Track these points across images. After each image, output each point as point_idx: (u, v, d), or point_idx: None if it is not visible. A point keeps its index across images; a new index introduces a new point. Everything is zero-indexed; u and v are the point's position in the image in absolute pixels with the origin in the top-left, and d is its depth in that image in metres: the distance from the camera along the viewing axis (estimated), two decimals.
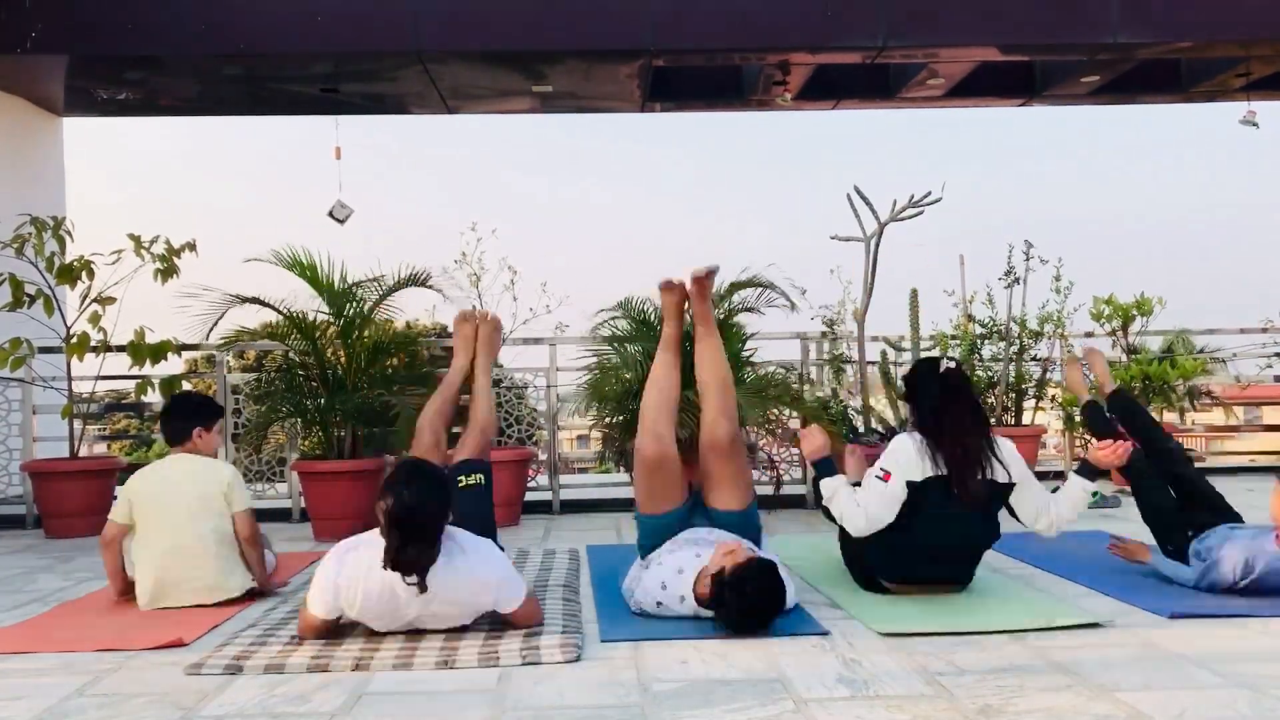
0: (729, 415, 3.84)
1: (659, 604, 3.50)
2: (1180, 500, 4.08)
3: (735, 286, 6.25)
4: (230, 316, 6.07)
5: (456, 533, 3.28)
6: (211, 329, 5.99)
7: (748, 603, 3.21)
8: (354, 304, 6.07)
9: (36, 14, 6.69)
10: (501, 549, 3.73)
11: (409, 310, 6.56)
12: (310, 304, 6.13)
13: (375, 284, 6.14)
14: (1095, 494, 6.26)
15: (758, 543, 3.78)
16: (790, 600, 3.48)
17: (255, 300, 6.01)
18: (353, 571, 3.19)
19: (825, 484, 3.78)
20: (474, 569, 3.24)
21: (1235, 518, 3.94)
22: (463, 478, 3.88)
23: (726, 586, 3.21)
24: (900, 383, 5.64)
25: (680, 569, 3.50)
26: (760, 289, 6.26)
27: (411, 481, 3.14)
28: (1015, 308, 7.44)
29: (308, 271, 5.99)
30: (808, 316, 6.86)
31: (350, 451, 5.86)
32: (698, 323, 4.12)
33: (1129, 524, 5.53)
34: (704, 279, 4.03)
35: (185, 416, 4.19)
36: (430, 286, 6.24)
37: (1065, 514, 3.82)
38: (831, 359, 6.94)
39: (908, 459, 3.63)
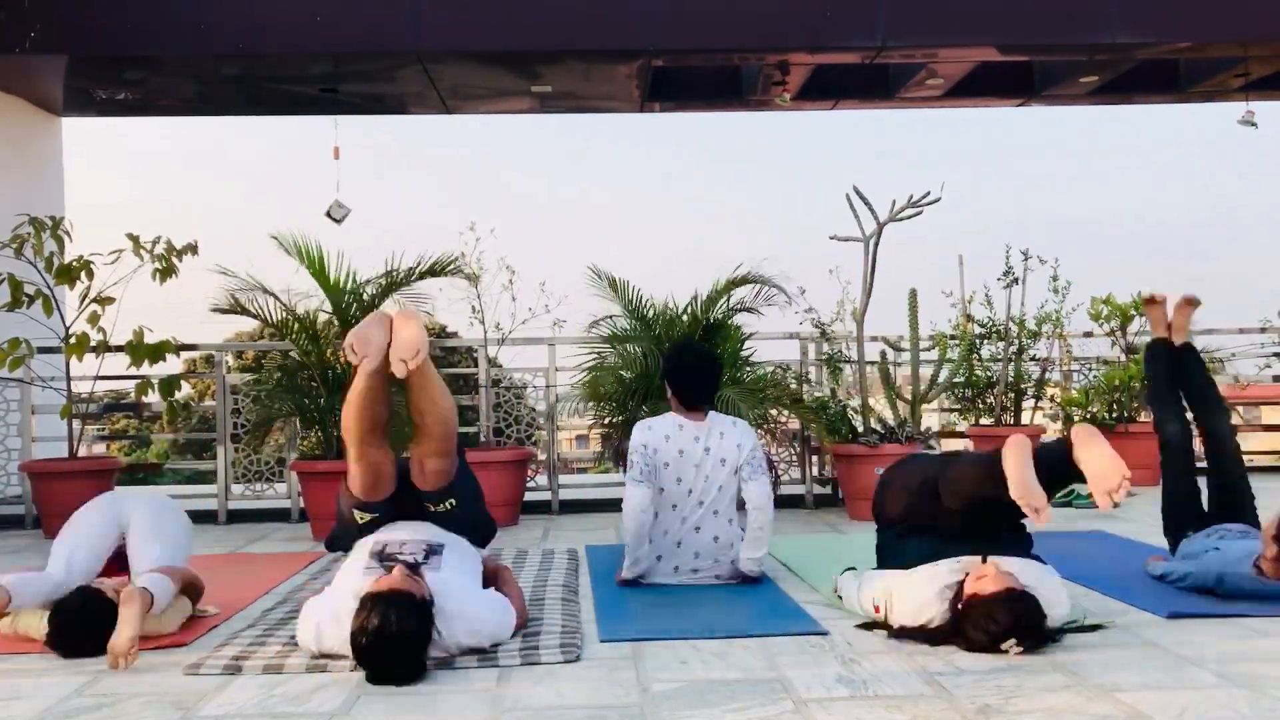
0: None
1: None
2: (1196, 499, 4.10)
3: (732, 284, 6.24)
4: (228, 316, 6.08)
5: (442, 600, 3.01)
6: (225, 311, 5.97)
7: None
8: (358, 302, 6.06)
9: (35, 14, 6.68)
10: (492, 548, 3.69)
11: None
12: (311, 303, 6.14)
13: (380, 279, 6.12)
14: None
15: None
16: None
17: (259, 289, 6.02)
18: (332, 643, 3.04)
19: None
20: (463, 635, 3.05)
21: (1249, 520, 3.97)
22: (431, 505, 3.42)
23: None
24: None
25: None
26: (758, 287, 6.27)
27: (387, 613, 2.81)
28: (1014, 308, 7.45)
29: (315, 265, 5.98)
30: (800, 319, 6.87)
31: None
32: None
33: (1128, 523, 5.54)
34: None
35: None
36: (444, 274, 6.20)
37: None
38: (828, 359, 6.94)
39: None
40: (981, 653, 2.98)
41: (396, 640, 2.80)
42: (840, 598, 3.70)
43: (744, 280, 6.29)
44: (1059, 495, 6.42)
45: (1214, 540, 3.81)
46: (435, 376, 3.33)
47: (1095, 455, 3.00)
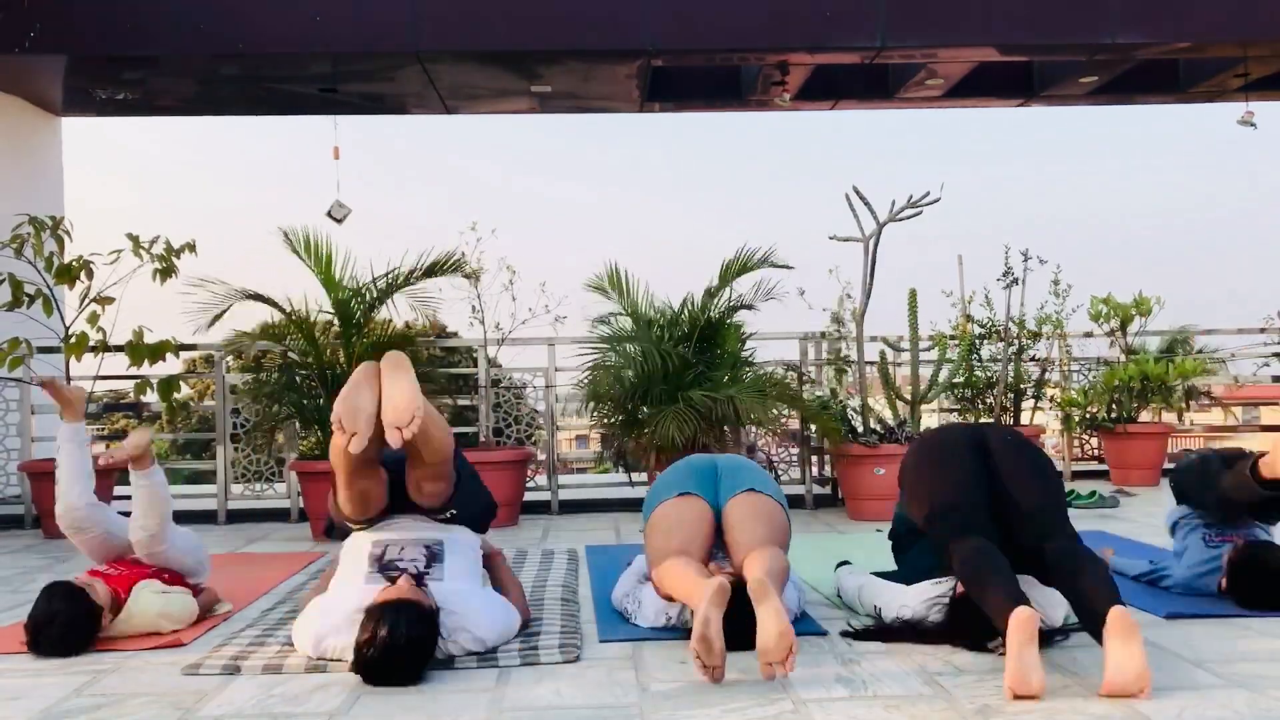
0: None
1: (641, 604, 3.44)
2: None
3: (729, 275, 6.23)
4: (229, 316, 6.07)
5: (447, 608, 3.01)
6: (214, 320, 5.98)
7: None
8: (360, 302, 6.07)
9: (35, 13, 6.69)
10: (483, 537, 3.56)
11: (414, 309, 6.52)
12: (311, 304, 6.14)
13: (385, 279, 6.12)
14: (1093, 493, 6.28)
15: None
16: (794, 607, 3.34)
17: (257, 296, 6.02)
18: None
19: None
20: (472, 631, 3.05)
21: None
22: (432, 517, 3.31)
23: None
24: None
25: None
26: (757, 284, 6.27)
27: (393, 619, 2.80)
28: (1014, 308, 7.45)
29: (320, 265, 5.97)
30: (808, 314, 6.87)
31: None
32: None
33: (1127, 523, 5.54)
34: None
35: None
36: (443, 273, 6.19)
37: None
38: (834, 358, 6.94)
39: None
40: (977, 649, 2.98)
41: (404, 650, 2.78)
42: (840, 594, 3.72)
43: (746, 266, 6.24)
44: None
45: (1198, 536, 3.72)
46: (434, 420, 3.03)
47: (1126, 657, 2.58)
